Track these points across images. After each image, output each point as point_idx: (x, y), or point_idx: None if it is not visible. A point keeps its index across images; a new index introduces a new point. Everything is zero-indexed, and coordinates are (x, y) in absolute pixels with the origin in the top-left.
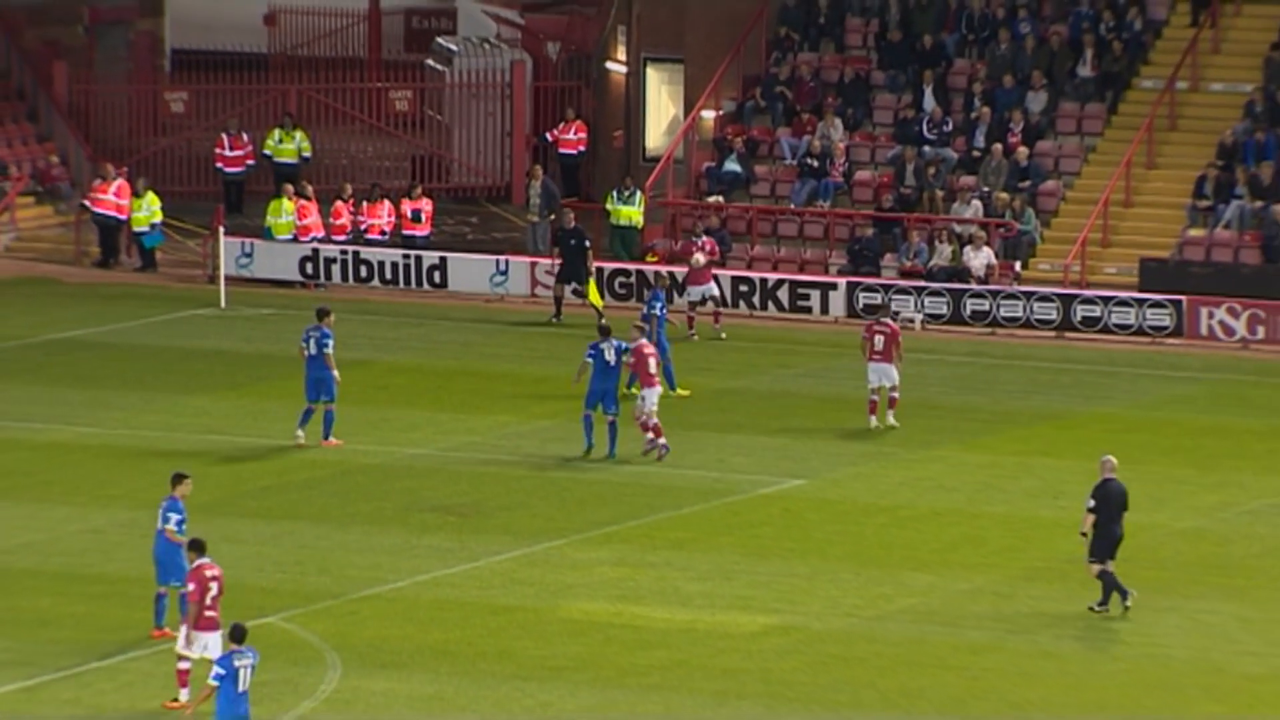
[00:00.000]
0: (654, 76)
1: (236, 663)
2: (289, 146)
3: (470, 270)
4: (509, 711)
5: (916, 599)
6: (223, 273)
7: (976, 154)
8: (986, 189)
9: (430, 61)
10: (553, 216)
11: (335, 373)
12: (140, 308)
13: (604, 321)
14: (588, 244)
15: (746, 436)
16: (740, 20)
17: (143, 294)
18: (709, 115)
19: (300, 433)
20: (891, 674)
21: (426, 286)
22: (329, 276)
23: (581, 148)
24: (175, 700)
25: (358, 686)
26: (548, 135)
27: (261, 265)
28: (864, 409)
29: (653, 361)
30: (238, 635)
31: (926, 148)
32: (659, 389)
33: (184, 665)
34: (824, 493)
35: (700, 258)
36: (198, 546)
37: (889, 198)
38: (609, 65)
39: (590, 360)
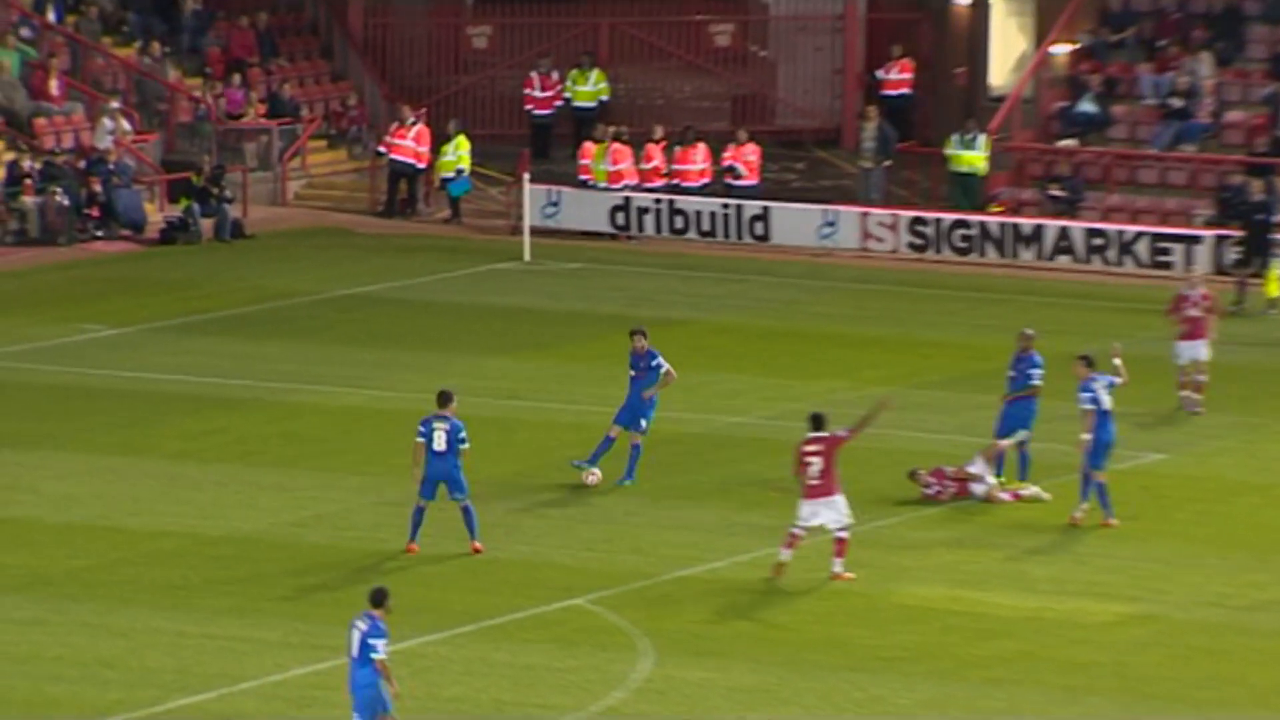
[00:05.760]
0: (1000, 7)
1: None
2: (585, 89)
3: (796, 221)
4: (837, 705)
5: None
6: (527, 223)
7: None
8: None
9: None
10: (888, 162)
11: None
12: (438, 261)
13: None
14: (1274, 219)
15: None
16: None
17: (441, 246)
18: (1061, 50)
19: None
20: (1266, 669)
21: (747, 239)
22: (641, 228)
23: (907, 89)
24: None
25: (672, 676)
26: (877, 74)
27: (569, 215)
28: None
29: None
30: None
31: None
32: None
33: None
34: (1188, 468)
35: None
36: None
37: (1263, 141)
38: None
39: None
